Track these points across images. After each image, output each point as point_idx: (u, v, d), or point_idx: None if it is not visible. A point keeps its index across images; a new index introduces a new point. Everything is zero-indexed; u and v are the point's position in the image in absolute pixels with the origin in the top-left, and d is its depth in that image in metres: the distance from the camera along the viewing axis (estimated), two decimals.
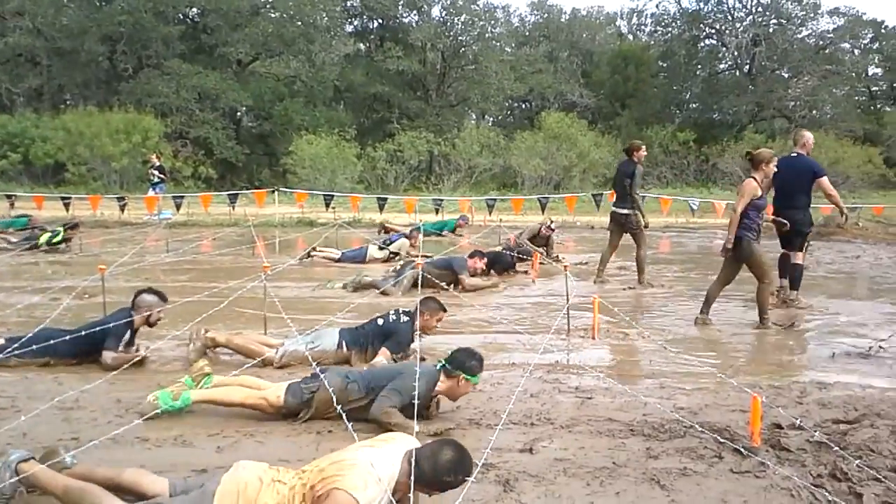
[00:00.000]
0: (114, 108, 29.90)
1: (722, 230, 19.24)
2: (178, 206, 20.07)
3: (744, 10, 40.54)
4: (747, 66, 40.49)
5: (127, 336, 5.57)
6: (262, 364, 5.35)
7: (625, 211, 9.64)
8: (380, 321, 5.85)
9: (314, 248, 11.92)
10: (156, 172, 21.08)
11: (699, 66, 42.87)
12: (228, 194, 21.24)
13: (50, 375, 5.29)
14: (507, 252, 10.81)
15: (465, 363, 4.34)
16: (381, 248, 11.91)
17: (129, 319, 5.54)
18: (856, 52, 42.59)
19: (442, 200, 21.76)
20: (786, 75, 40.45)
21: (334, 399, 4.10)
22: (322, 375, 4.34)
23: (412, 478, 2.86)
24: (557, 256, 12.24)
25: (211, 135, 32.84)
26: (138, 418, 4.02)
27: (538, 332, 6.79)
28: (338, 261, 11.60)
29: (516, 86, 39.29)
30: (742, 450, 3.80)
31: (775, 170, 7.32)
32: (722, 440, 3.95)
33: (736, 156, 32.31)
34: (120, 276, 9.49)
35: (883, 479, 3.47)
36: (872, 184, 31.81)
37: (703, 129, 37.82)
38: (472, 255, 9.73)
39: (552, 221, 12.96)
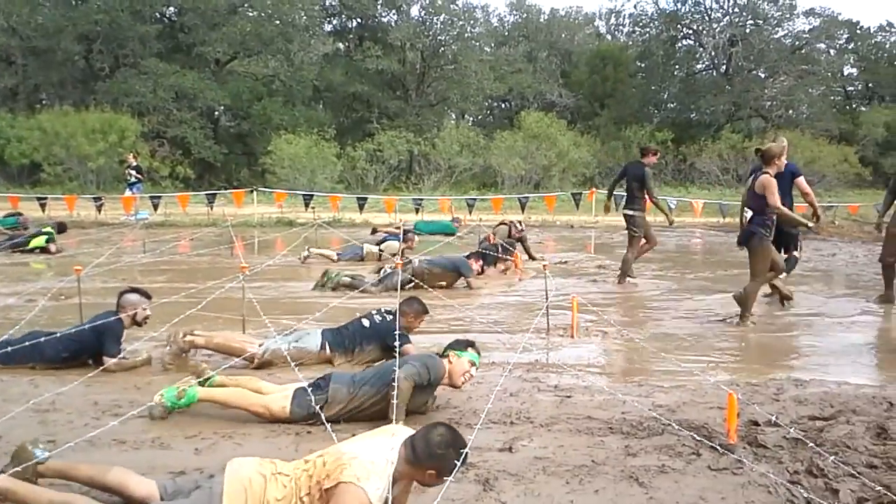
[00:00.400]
0: (90, 107, 29.57)
1: (701, 229, 19.42)
2: (155, 207, 19.92)
3: (721, 10, 40.83)
4: (724, 67, 40.79)
5: (123, 335, 5.53)
6: (245, 362, 5.34)
7: (631, 212, 9.79)
8: (365, 322, 5.82)
9: (308, 249, 11.86)
10: (133, 172, 20.90)
11: (677, 67, 43.10)
12: (206, 194, 21.12)
13: (25, 378, 5.23)
14: (488, 251, 10.82)
15: (454, 343, 4.53)
16: (377, 244, 12.04)
17: (117, 318, 5.48)
18: (831, 52, 43.02)
19: (422, 200, 21.78)
20: (762, 75, 40.77)
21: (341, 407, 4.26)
22: (329, 387, 4.34)
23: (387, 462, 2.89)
24: (533, 256, 12.31)
25: (188, 134, 32.57)
26: (115, 420, 3.98)
27: (518, 331, 6.80)
28: (335, 261, 11.56)
29: (496, 85, 39.30)
30: (718, 447, 3.83)
31: (785, 162, 7.41)
32: (699, 438, 3.97)
33: (713, 155, 32.58)
34: (96, 277, 9.41)
35: (858, 475, 3.50)
36: (848, 182, 32.16)
37: (680, 129, 38.03)
38: (469, 256, 9.79)
39: (521, 223, 12.95)
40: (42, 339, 5.32)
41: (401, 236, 12.00)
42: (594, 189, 23.52)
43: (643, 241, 10.01)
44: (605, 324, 7.03)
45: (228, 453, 3.85)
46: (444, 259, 9.75)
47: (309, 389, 4.34)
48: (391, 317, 5.82)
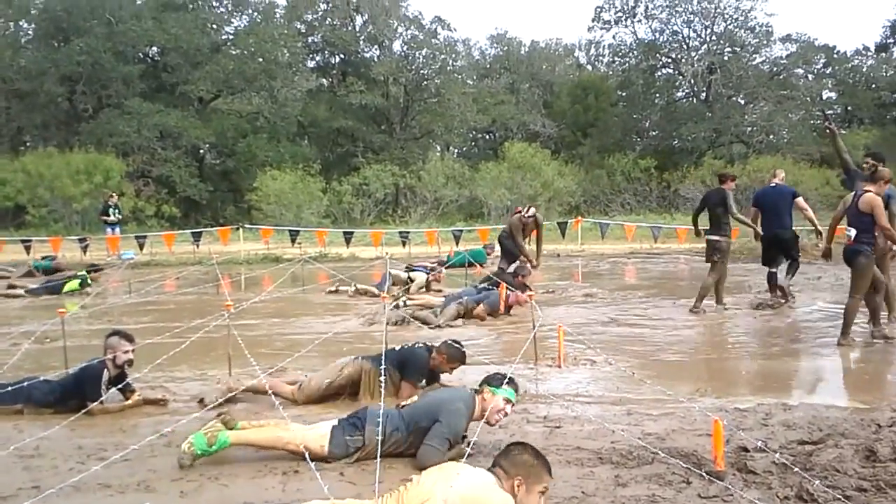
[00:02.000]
0: (74, 148, 29.68)
1: (686, 255, 19.48)
2: (140, 246, 19.87)
3: (699, 39, 41.44)
4: (704, 94, 41.28)
5: (105, 379, 5.42)
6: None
7: (717, 238, 9.79)
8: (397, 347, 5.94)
9: (354, 286, 11.80)
10: (116, 212, 20.80)
11: (657, 95, 43.56)
12: (192, 232, 21.09)
13: (9, 423, 5.16)
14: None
15: (491, 378, 4.50)
16: (404, 271, 12.18)
17: (100, 361, 5.42)
18: (809, 77, 43.59)
19: (408, 233, 21.82)
20: (742, 102, 41.27)
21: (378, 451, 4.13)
22: (366, 429, 4.30)
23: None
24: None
25: (174, 173, 32.63)
26: (99, 464, 3.93)
27: (505, 361, 6.76)
28: (378, 294, 11.42)
29: (479, 117, 39.65)
30: (705, 475, 3.81)
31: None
32: (688, 466, 3.96)
33: (696, 181, 32.84)
34: (82, 320, 9.35)
35: (848, 499, 3.50)
36: (831, 206, 32.25)
37: (663, 156, 38.36)
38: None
39: (530, 208, 12.62)
40: (25, 383, 5.30)
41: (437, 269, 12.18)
42: (580, 217, 23.66)
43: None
44: (592, 352, 7.02)
45: (214, 495, 3.82)
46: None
47: (345, 429, 4.34)
48: (421, 345, 5.90)
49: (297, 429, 4.41)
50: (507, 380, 4.46)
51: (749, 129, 40.66)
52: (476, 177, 32.84)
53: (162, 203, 30.60)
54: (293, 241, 20.40)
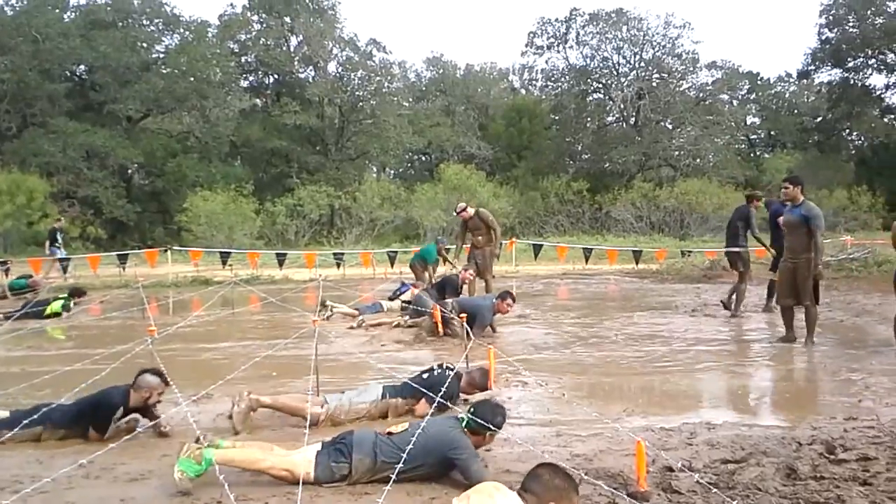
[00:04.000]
0: None
1: (616, 275, 19.82)
2: (64, 269, 19.22)
3: (628, 65, 42.55)
4: (633, 119, 42.31)
5: (119, 413, 5.27)
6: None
7: (734, 249, 11.37)
8: (425, 376, 5.90)
9: (331, 308, 11.60)
10: (61, 236, 20.09)
11: (589, 119, 44.44)
12: (118, 254, 20.53)
13: None
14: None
15: (493, 420, 4.45)
16: (391, 299, 12.16)
17: (124, 392, 5.30)
18: (734, 102, 45.14)
19: (343, 254, 21.68)
20: (669, 126, 42.47)
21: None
22: (353, 457, 4.23)
23: None
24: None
25: (100, 194, 31.82)
26: (12, 497, 3.76)
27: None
28: (357, 316, 11.25)
29: (415, 139, 39.82)
30: (627, 497, 3.84)
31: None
32: (614, 487, 3.99)
33: (627, 203, 33.57)
34: None
35: None
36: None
37: (595, 179, 39.12)
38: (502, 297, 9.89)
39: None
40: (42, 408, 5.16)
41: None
42: (514, 239, 23.86)
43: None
44: (524, 373, 7.04)
45: None
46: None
47: (330, 454, 4.26)
48: (450, 372, 5.87)
49: (281, 452, 4.33)
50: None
51: (676, 152, 41.87)
52: (412, 198, 32.92)
53: (87, 224, 29.81)
54: (224, 263, 20.03)
